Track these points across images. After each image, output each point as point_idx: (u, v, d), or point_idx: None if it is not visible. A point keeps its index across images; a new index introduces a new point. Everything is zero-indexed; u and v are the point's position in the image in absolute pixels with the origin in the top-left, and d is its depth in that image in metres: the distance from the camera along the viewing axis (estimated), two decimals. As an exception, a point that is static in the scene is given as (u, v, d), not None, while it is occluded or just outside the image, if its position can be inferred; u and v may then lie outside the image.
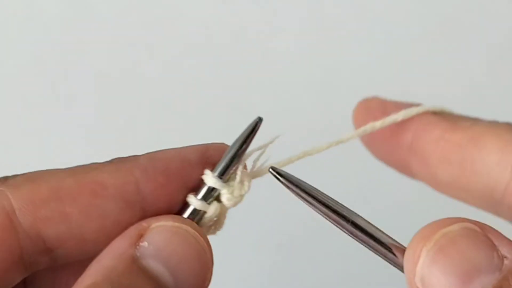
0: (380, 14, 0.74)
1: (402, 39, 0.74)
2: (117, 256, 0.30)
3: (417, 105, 0.35)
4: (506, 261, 0.28)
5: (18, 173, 0.33)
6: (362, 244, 0.31)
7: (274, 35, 0.74)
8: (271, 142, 0.34)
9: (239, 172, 0.34)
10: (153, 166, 0.33)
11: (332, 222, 0.32)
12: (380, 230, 0.31)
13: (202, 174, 0.33)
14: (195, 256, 0.31)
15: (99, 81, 0.72)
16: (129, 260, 0.30)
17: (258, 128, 0.34)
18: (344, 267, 0.66)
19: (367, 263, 0.66)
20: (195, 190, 0.34)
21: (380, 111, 0.35)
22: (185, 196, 0.33)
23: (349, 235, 0.32)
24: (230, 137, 0.70)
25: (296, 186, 0.32)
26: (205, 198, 0.33)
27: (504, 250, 0.28)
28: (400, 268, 0.31)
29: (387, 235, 0.31)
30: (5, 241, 0.31)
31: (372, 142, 0.36)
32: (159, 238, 0.31)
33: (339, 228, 0.32)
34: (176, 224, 0.31)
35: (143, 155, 0.34)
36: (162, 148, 0.34)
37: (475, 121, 0.34)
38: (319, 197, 0.32)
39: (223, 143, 0.35)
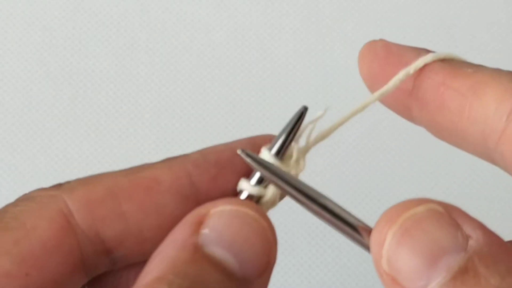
0: (379, 14, 0.75)
1: (401, 38, 0.74)
2: (180, 246, 0.30)
3: (428, 51, 0.35)
4: (471, 241, 0.28)
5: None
6: (330, 225, 0.32)
7: (274, 34, 0.74)
8: (321, 116, 0.33)
9: (295, 150, 0.33)
10: (205, 159, 0.33)
11: (300, 203, 0.32)
12: (347, 212, 0.31)
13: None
14: (258, 237, 0.30)
15: (102, 81, 0.72)
16: (193, 249, 0.29)
17: (305, 115, 0.33)
18: (346, 245, 0.67)
19: (364, 260, 0.67)
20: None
21: (389, 54, 0.35)
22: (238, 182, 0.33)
23: (317, 217, 0.32)
24: (230, 135, 0.71)
25: (266, 168, 0.32)
26: (259, 181, 0.33)
27: (468, 230, 0.28)
28: (367, 249, 0.31)
29: (354, 216, 0.31)
30: (65, 244, 0.31)
31: (375, 84, 0.35)
32: (220, 223, 0.30)
33: (307, 209, 0.32)
34: (235, 207, 0.30)
35: (194, 152, 0.34)
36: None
37: (478, 68, 0.33)
38: (289, 180, 0.32)
39: (270, 134, 0.34)
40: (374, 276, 0.66)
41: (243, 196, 0.33)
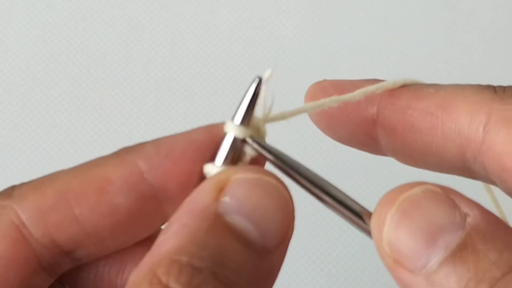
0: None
1: (406, 17, 0.74)
2: (199, 214, 0.29)
3: (379, 80, 0.35)
4: (468, 219, 0.28)
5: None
6: (334, 211, 0.32)
7: (278, 14, 0.74)
8: (270, 77, 0.33)
9: (254, 118, 0.32)
10: (158, 151, 0.32)
11: (305, 189, 0.32)
12: (351, 198, 0.32)
13: (210, 151, 0.32)
14: (279, 207, 0.29)
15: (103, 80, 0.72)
16: (213, 218, 0.28)
17: (261, 85, 0.32)
18: (346, 245, 0.67)
19: (369, 239, 0.67)
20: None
21: (338, 90, 0.34)
22: (196, 175, 0.32)
23: (321, 202, 0.32)
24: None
25: (274, 155, 0.31)
26: (226, 159, 0.31)
27: (465, 209, 0.29)
28: (370, 234, 0.31)
29: (357, 203, 0.32)
30: (20, 256, 0.31)
31: (330, 122, 0.35)
32: (241, 191, 0.29)
33: (311, 194, 0.32)
34: (257, 175, 0.30)
35: (148, 142, 0.32)
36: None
37: (439, 86, 0.34)
38: (295, 166, 0.32)
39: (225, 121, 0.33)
40: (375, 265, 0.67)
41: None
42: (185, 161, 0.32)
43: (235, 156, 0.32)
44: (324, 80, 0.36)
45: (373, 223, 0.30)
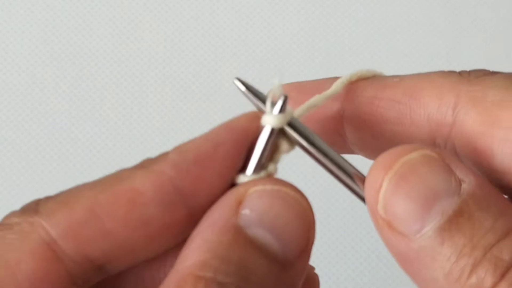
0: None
1: (406, 16, 0.74)
2: (220, 228, 0.29)
3: (337, 78, 0.35)
4: (463, 185, 0.28)
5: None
6: (325, 169, 0.32)
7: (278, 14, 0.74)
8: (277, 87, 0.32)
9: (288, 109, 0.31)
10: (184, 158, 0.31)
11: (300, 146, 0.32)
12: (343, 158, 0.31)
13: (236, 150, 0.31)
14: (299, 218, 0.29)
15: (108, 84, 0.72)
16: (234, 231, 0.28)
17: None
18: (346, 245, 0.67)
19: (369, 239, 0.67)
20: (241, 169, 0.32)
21: (300, 92, 0.34)
22: (231, 176, 0.31)
23: (312, 159, 0.32)
24: (235, 115, 0.70)
25: (258, 97, 0.31)
26: (257, 169, 0.31)
27: (461, 174, 0.29)
28: (361, 198, 0.31)
29: (350, 164, 0.31)
30: (52, 273, 0.30)
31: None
32: (261, 203, 0.29)
33: (302, 149, 0.31)
34: (276, 187, 0.30)
35: (172, 150, 0.32)
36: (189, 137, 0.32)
37: (403, 76, 0.34)
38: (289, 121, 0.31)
39: (250, 111, 0.33)
40: (373, 255, 0.67)
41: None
42: (214, 164, 0.31)
43: (268, 157, 0.32)
44: (284, 84, 0.35)
45: (368, 185, 0.30)
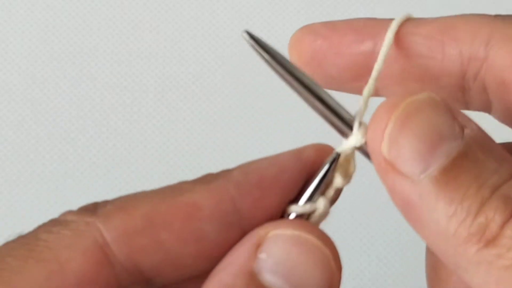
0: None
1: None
2: (236, 272, 0.29)
3: (372, 18, 0.35)
4: (466, 130, 0.28)
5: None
6: (323, 118, 0.31)
7: (278, 14, 0.74)
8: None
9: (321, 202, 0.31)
10: (247, 179, 0.31)
11: (298, 94, 0.32)
12: (342, 107, 0.31)
13: (299, 179, 0.31)
14: (319, 267, 0.29)
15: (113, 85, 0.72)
16: (248, 277, 0.28)
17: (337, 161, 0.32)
18: (346, 244, 0.67)
19: (369, 239, 0.67)
20: (294, 199, 0.31)
21: (330, 30, 0.35)
22: (285, 205, 0.31)
23: (313, 109, 0.32)
24: (234, 115, 0.71)
25: (269, 53, 0.31)
26: (309, 199, 0.31)
27: (463, 121, 0.29)
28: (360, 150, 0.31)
29: (349, 112, 0.31)
30: (101, 277, 0.29)
31: (322, 60, 0.35)
32: (279, 249, 0.29)
33: (304, 100, 0.31)
34: (296, 232, 0.29)
35: (235, 168, 0.31)
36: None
37: (438, 18, 0.34)
38: (288, 68, 0.31)
39: (317, 143, 0.33)
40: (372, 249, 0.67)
41: (292, 216, 0.31)
42: (275, 190, 0.31)
43: (322, 189, 0.32)
44: (313, 23, 0.35)
45: (373, 125, 0.29)
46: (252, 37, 0.31)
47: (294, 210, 0.31)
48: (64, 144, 0.69)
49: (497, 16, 0.34)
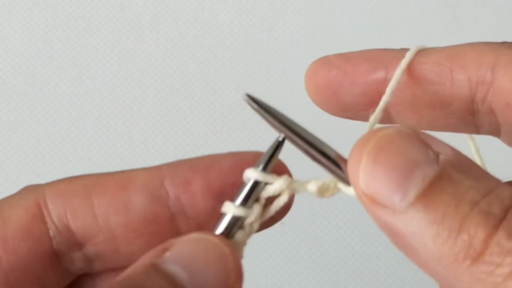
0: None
1: (406, 18, 0.74)
2: (139, 263, 0.31)
3: (384, 49, 0.36)
4: (441, 156, 0.29)
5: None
6: (313, 160, 0.32)
7: (278, 14, 0.74)
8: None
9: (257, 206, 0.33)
10: (182, 164, 0.34)
11: (292, 142, 0.32)
12: (328, 146, 0.32)
13: (235, 179, 0.33)
14: (215, 260, 0.31)
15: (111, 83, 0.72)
16: (149, 264, 0.31)
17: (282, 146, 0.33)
18: (346, 245, 0.67)
19: (369, 239, 0.67)
20: (227, 197, 0.33)
21: (344, 60, 0.36)
22: (213, 197, 0.33)
23: (304, 154, 0.32)
24: (234, 115, 0.71)
25: (270, 114, 0.32)
26: (245, 200, 0.33)
27: (437, 148, 0.29)
28: (345, 181, 0.32)
29: (334, 150, 0.32)
30: (35, 230, 0.33)
31: (337, 89, 0.36)
32: (181, 246, 0.31)
33: (300, 150, 0.32)
34: (201, 235, 0.32)
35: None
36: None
37: (447, 46, 0.35)
38: (284, 121, 0.32)
39: (258, 151, 0.34)
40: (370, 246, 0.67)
41: (227, 217, 0.33)
42: (204, 176, 0.33)
43: (253, 198, 0.33)
44: (327, 55, 0.37)
45: (350, 162, 0.30)
46: (253, 99, 0.32)
47: (229, 210, 0.33)
48: (64, 144, 0.69)
49: (503, 43, 0.35)
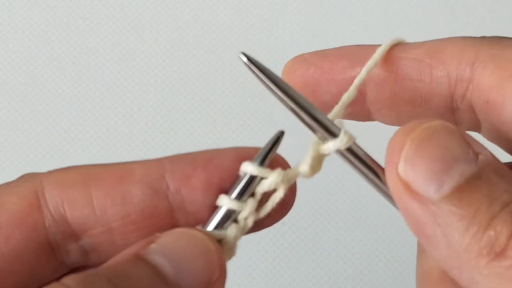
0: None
1: (406, 18, 0.74)
2: (124, 253, 0.31)
3: (364, 45, 0.36)
4: (480, 156, 0.29)
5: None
6: (300, 120, 0.33)
7: (278, 14, 0.74)
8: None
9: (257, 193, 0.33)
10: (183, 157, 0.34)
11: (292, 111, 0.33)
12: (331, 120, 0.33)
13: (236, 174, 0.33)
14: (199, 254, 0.31)
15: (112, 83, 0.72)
16: (134, 254, 0.30)
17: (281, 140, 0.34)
18: (346, 245, 0.67)
19: (369, 239, 0.67)
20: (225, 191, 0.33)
21: (321, 58, 0.36)
22: (213, 192, 0.33)
23: (305, 124, 0.33)
24: (234, 115, 0.71)
25: (266, 75, 0.32)
26: (240, 194, 0.33)
27: (477, 149, 0.30)
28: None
29: (321, 112, 0.32)
30: (30, 218, 0.32)
31: (315, 87, 0.36)
32: (166, 239, 0.31)
33: (299, 119, 0.33)
34: (185, 229, 0.32)
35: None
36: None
37: (426, 41, 0.36)
38: (285, 88, 0.33)
39: (256, 147, 0.34)
40: (372, 249, 0.67)
41: (222, 210, 0.33)
42: (205, 170, 0.33)
43: (248, 192, 0.33)
44: (303, 53, 0.37)
45: (391, 147, 0.30)
46: (249, 59, 0.32)
47: (224, 203, 0.32)
48: (64, 144, 0.69)
49: (483, 38, 0.35)
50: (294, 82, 0.37)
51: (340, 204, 0.67)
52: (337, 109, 0.34)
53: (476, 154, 0.29)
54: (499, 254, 0.28)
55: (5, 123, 0.69)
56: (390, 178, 0.30)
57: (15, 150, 0.68)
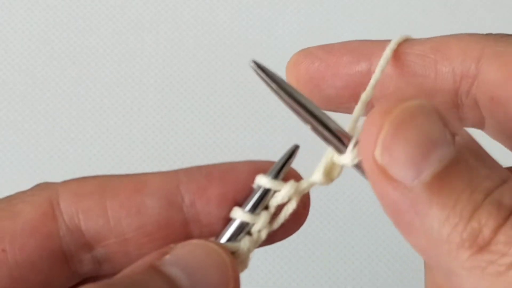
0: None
1: (406, 18, 0.74)
2: (138, 264, 0.31)
3: (368, 40, 0.36)
4: (457, 138, 0.28)
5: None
6: (314, 131, 0.32)
7: (278, 14, 0.74)
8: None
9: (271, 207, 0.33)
10: (199, 169, 0.33)
11: (300, 118, 0.32)
12: (333, 120, 0.32)
13: (246, 184, 0.33)
14: (215, 266, 0.31)
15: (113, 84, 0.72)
16: (149, 265, 0.30)
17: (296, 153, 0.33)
18: (346, 244, 0.67)
19: (369, 239, 0.67)
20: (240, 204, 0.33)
21: (326, 52, 0.36)
22: (228, 205, 0.33)
23: (311, 128, 0.32)
24: (234, 115, 0.71)
25: (275, 81, 0.32)
26: (254, 207, 0.33)
27: (454, 128, 0.29)
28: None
29: (338, 125, 0.32)
30: (44, 227, 0.32)
31: (319, 81, 0.36)
32: (181, 250, 0.31)
33: (301, 119, 0.32)
34: (200, 241, 0.31)
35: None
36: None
37: (432, 37, 0.35)
38: (294, 96, 0.32)
39: (272, 161, 0.34)
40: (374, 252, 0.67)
41: (235, 223, 0.33)
42: (221, 184, 0.33)
43: (262, 205, 0.33)
44: (309, 47, 0.37)
45: (367, 130, 0.29)
46: (259, 66, 0.32)
47: (238, 216, 0.33)
48: (64, 144, 0.69)
49: (489, 35, 0.34)
50: (298, 75, 0.36)
51: (340, 204, 0.67)
52: (358, 110, 0.34)
53: (453, 135, 0.28)
54: (483, 248, 0.27)
55: (5, 123, 0.69)
56: (366, 162, 0.29)
57: (15, 150, 0.68)
